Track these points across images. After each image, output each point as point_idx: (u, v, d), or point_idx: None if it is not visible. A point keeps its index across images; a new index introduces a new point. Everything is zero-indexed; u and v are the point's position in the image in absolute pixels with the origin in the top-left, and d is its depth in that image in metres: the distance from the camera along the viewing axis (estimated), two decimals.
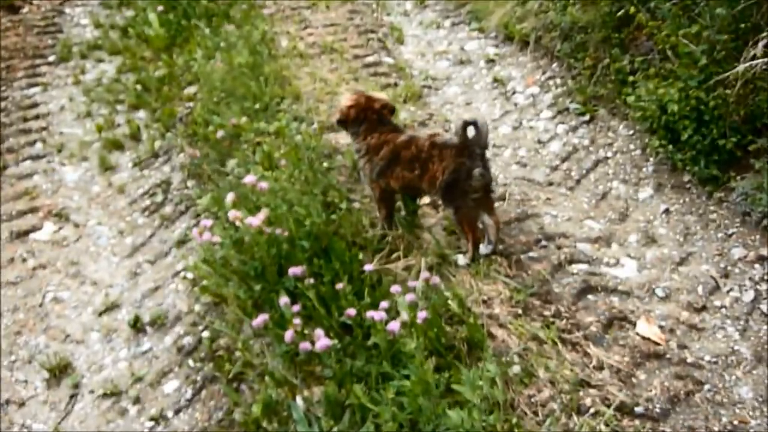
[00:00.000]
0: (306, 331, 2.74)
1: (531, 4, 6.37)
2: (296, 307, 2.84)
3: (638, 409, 2.70)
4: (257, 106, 5.24)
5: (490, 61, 6.45)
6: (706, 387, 2.79)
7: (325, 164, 4.34)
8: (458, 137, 3.42)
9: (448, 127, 5.40)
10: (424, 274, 3.02)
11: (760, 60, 3.75)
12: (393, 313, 2.74)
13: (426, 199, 4.20)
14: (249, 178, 3.35)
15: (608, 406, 2.70)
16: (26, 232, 4.59)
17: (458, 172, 3.35)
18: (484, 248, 3.63)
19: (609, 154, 4.93)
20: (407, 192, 3.71)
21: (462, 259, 3.62)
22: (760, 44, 3.78)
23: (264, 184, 3.42)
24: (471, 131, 3.43)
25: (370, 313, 2.67)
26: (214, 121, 4.99)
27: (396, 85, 5.97)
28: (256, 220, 3.06)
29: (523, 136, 5.40)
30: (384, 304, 2.73)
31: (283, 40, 6.81)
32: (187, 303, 3.81)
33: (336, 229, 3.68)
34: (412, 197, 3.79)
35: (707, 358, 2.96)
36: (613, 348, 3.06)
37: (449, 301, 3.16)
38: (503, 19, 6.70)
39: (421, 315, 2.68)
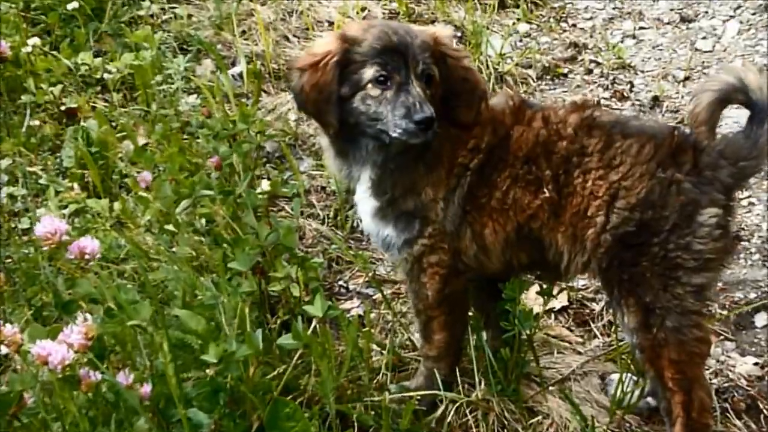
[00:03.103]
0: None
1: None
2: None
3: None
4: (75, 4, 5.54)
5: None
6: None
7: (267, 184, 4.53)
8: (695, 118, 3.63)
9: (644, 98, 5.63)
10: None
11: None
12: None
13: (558, 300, 4.40)
14: (47, 223, 3.41)
15: None
16: None
17: (657, 209, 3.54)
18: None
19: None
20: (514, 271, 3.88)
21: None
22: None
23: (90, 242, 3.48)
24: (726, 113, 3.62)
25: None
26: None
27: None
28: (61, 350, 3.11)
29: None
30: None
31: None
32: None
33: (296, 379, 3.81)
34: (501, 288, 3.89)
35: None
36: None
37: None
38: None
39: None
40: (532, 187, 3.63)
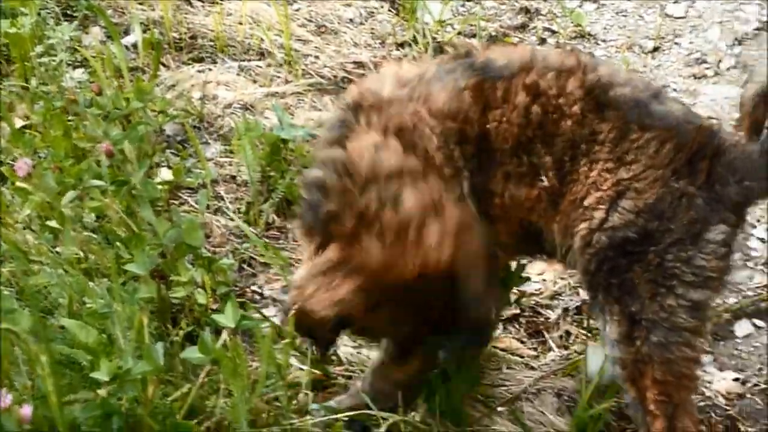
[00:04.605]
0: None
1: None
2: None
3: None
4: None
5: None
6: None
7: (168, 173, 4.52)
8: (747, 110, 3.62)
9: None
10: None
11: None
12: None
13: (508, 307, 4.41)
14: None
15: None
16: None
17: (663, 221, 3.56)
18: None
19: None
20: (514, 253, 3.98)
21: None
22: None
23: None
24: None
25: None
26: None
27: None
28: None
29: None
30: None
31: None
32: None
33: (202, 400, 3.78)
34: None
35: None
36: None
37: None
38: None
39: None
40: (527, 178, 3.61)
